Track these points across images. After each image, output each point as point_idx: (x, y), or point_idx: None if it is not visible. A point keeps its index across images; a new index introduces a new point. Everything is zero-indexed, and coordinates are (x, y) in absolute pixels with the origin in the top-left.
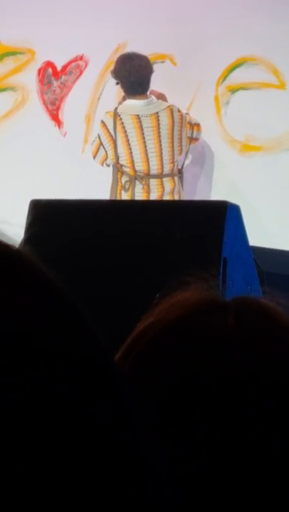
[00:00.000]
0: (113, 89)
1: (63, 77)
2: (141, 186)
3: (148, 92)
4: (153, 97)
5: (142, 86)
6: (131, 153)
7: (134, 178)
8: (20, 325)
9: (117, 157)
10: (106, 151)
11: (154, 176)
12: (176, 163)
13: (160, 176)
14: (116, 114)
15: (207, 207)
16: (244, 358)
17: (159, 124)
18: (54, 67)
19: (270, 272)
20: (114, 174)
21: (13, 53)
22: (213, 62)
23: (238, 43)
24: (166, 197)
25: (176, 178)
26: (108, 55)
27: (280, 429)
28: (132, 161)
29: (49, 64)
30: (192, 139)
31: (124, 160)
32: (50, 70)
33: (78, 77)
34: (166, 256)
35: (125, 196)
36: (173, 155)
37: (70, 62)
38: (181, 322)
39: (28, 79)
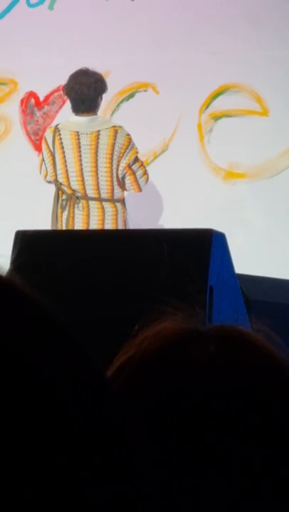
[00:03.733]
0: None
1: (46, 107)
2: (80, 208)
3: (96, 111)
4: (99, 116)
5: (84, 104)
6: (67, 170)
7: (71, 196)
8: (13, 348)
9: (56, 174)
10: (46, 168)
11: (93, 198)
12: (116, 189)
13: (99, 199)
14: (56, 130)
15: (192, 235)
16: (223, 383)
17: (98, 143)
18: (37, 98)
19: (256, 300)
20: (55, 192)
21: None
22: (196, 90)
23: (220, 71)
24: (109, 222)
25: (118, 204)
26: None
27: (262, 451)
28: (68, 179)
29: (32, 94)
30: (129, 172)
31: (61, 177)
32: (32, 101)
33: (61, 106)
34: (152, 284)
35: (64, 215)
36: (111, 177)
37: (52, 92)
38: (163, 352)
39: (11, 109)
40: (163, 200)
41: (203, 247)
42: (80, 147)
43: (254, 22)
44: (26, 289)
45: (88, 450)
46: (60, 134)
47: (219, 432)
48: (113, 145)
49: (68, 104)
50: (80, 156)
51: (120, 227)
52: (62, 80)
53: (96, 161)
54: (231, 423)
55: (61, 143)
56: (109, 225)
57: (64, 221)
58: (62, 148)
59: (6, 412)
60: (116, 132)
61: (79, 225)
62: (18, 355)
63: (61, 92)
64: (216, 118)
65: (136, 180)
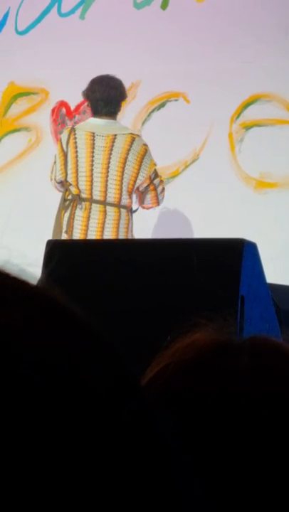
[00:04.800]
0: (127, 126)
1: (77, 116)
2: (82, 208)
3: (115, 116)
4: (118, 121)
5: (108, 106)
6: (77, 170)
7: (76, 197)
8: (63, 363)
9: (66, 174)
10: (56, 168)
11: (97, 201)
12: (124, 196)
13: (103, 203)
14: (72, 130)
15: (224, 245)
16: (257, 395)
17: (112, 146)
18: (68, 107)
19: (288, 310)
20: (62, 193)
21: (26, 94)
22: (227, 100)
23: (252, 80)
24: (109, 227)
25: (123, 210)
26: None
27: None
28: (77, 178)
29: (63, 104)
30: (151, 187)
31: (70, 177)
32: (63, 110)
33: (92, 116)
34: (183, 294)
35: (66, 216)
36: (121, 184)
37: (83, 102)
38: (197, 363)
39: (42, 119)
40: (193, 209)
41: (235, 256)
42: (93, 148)
43: (286, 31)
44: (65, 301)
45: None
46: (75, 134)
47: (254, 443)
48: (128, 151)
49: None
50: (93, 156)
51: (121, 234)
52: None
53: (108, 163)
54: (266, 435)
55: (75, 142)
56: (108, 230)
57: (65, 222)
58: (76, 147)
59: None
60: (133, 139)
61: (78, 226)
62: (67, 369)
63: None
64: (247, 127)
65: (157, 195)
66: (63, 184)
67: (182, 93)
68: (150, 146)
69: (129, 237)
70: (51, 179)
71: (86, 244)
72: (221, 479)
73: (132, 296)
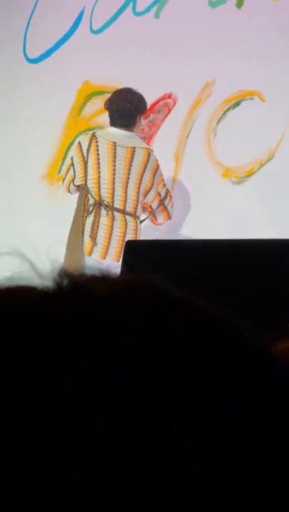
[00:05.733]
0: (202, 127)
1: (152, 115)
2: (106, 217)
3: (133, 129)
4: (134, 134)
5: (121, 119)
6: (99, 177)
7: (99, 203)
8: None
9: (85, 179)
10: (75, 172)
11: (118, 210)
12: (139, 205)
13: (123, 212)
14: (93, 136)
15: None
16: None
17: (132, 159)
18: None
19: None
20: (81, 197)
21: (101, 92)
22: None
23: None
24: (130, 237)
25: (138, 221)
26: (197, 92)
27: None
28: (99, 185)
29: None
30: (161, 204)
31: (91, 183)
32: None
33: (167, 115)
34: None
35: (89, 221)
36: (138, 195)
37: (158, 101)
38: None
39: None
40: (270, 208)
41: None
42: (115, 157)
43: None
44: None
45: None
46: (97, 142)
47: None
48: (146, 165)
49: (174, 111)
50: (114, 166)
51: None
52: (168, 88)
53: (128, 174)
54: None
55: (97, 149)
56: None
57: (88, 227)
58: (98, 155)
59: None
60: (149, 155)
61: (102, 234)
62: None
63: (167, 100)
64: None
65: (168, 214)
66: (80, 188)
67: (257, 92)
68: (225, 146)
69: None
70: (64, 180)
71: (166, 245)
72: None
73: (219, 298)
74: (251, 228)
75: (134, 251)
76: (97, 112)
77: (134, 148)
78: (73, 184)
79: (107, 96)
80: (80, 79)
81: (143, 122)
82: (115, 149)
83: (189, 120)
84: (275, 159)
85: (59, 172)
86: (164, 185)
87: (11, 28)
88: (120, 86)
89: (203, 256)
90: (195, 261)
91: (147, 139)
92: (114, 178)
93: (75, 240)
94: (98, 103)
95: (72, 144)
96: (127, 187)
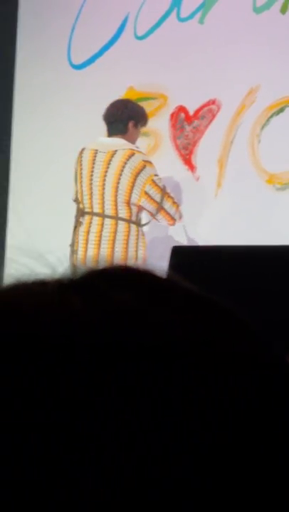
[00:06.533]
0: (246, 133)
1: (196, 121)
2: (84, 224)
3: (125, 136)
4: (123, 140)
5: (112, 125)
6: (82, 186)
7: (80, 211)
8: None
9: (76, 192)
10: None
11: (96, 214)
12: (120, 207)
13: (102, 215)
14: (82, 150)
15: None
16: None
17: (110, 161)
18: (186, 112)
19: None
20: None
21: (145, 98)
22: None
23: None
24: (105, 240)
25: (120, 222)
26: (241, 98)
27: None
28: (82, 194)
29: (181, 109)
30: (158, 206)
31: (78, 194)
32: (182, 115)
33: (211, 121)
34: None
35: (81, 233)
36: (116, 195)
37: (202, 107)
38: None
39: (161, 124)
40: None
41: None
42: (94, 163)
43: None
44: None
45: None
46: (82, 154)
47: None
48: (125, 164)
49: (218, 118)
50: (92, 171)
51: (118, 246)
52: (212, 94)
53: (105, 176)
54: None
55: (81, 161)
56: (105, 243)
57: (73, 237)
58: (81, 165)
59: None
60: (132, 154)
61: (80, 241)
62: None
63: (211, 106)
64: None
65: (167, 214)
66: (76, 202)
67: None
68: (269, 152)
69: (131, 251)
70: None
71: (212, 251)
72: None
73: (261, 305)
74: None
75: (179, 256)
76: None
77: (116, 151)
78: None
79: (152, 102)
80: (125, 85)
81: (187, 129)
82: (95, 156)
83: (233, 126)
84: None
85: None
86: (156, 185)
87: (56, 34)
88: (165, 92)
89: (244, 262)
90: (236, 267)
91: (191, 145)
92: (91, 183)
93: (71, 253)
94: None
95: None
96: (103, 189)
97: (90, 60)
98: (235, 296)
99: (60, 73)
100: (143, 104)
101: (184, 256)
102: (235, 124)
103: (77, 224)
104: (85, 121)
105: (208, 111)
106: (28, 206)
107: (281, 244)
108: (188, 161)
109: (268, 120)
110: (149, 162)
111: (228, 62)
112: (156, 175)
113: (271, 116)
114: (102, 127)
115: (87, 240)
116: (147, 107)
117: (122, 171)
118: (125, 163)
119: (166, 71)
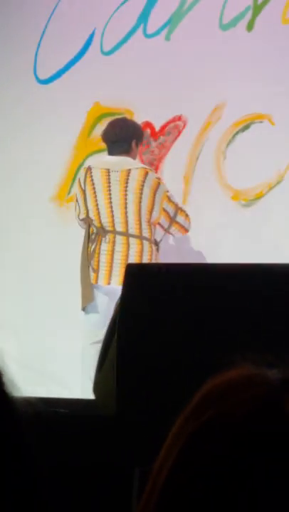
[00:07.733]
0: (211, 150)
1: (162, 137)
2: (106, 243)
3: (129, 155)
4: (129, 158)
5: (116, 145)
6: (97, 205)
7: (101, 230)
8: None
9: (87, 211)
10: (79, 207)
11: (120, 233)
12: (144, 226)
13: (126, 234)
14: (88, 169)
15: None
16: None
17: (127, 180)
18: (152, 128)
19: None
20: (86, 230)
21: (111, 114)
22: None
23: None
24: (132, 260)
25: (145, 242)
26: (206, 115)
27: None
28: (99, 213)
29: (147, 124)
30: (171, 220)
31: (92, 213)
32: (148, 131)
33: (176, 137)
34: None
35: (92, 249)
36: (140, 215)
37: (168, 123)
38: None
39: None
40: (278, 231)
41: None
42: (109, 183)
43: None
44: None
45: None
46: (91, 172)
47: None
48: (143, 183)
49: (184, 134)
50: (110, 190)
51: None
52: (178, 110)
53: (125, 195)
54: None
55: (92, 180)
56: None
57: (91, 254)
58: (93, 185)
59: None
60: (146, 173)
61: (103, 259)
62: None
63: (177, 122)
64: None
65: (182, 227)
66: (85, 221)
67: (267, 115)
68: (235, 168)
69: None
70: (76, 217)
71: (167, 269)
72: None
73: (215, 323)
74: (259, 252)
75: (134, 275)
76: None
77: (130, 169)
78: (79, 219)
79: (118, 117)
80: (91, 100)
81: (153, 144)
82: (109, 175)
83: (199, 143)
84: (285, 182)
85: (68, 193)
86: (171, 200)
87: (22, 48)
88: (131, 108)
89: (206, 279)
90: (197, 285)
91: (157, 160)
92: (111, 203)
93: (83, 273)
94: None
95: (81, 165)
96: (126, 208)
97: (56, 75)
98: (189, 314)
99: (26, 87)
100: (108, 119)
101: (137, 274)
102: (201, 141)
103: (98, 242)
104: (51, 136)
105: (174, 127)
106: None
107: (245, 261)
108: None
109: (233, 137)
110: (160, 179)
111: (195, 79)
112: (167, 191)
113: (237, 133)
114: (68, 141)
115: (112, 260)
116: None
117: (142, 190)
118: (143, 181)
119: (132, 87)
